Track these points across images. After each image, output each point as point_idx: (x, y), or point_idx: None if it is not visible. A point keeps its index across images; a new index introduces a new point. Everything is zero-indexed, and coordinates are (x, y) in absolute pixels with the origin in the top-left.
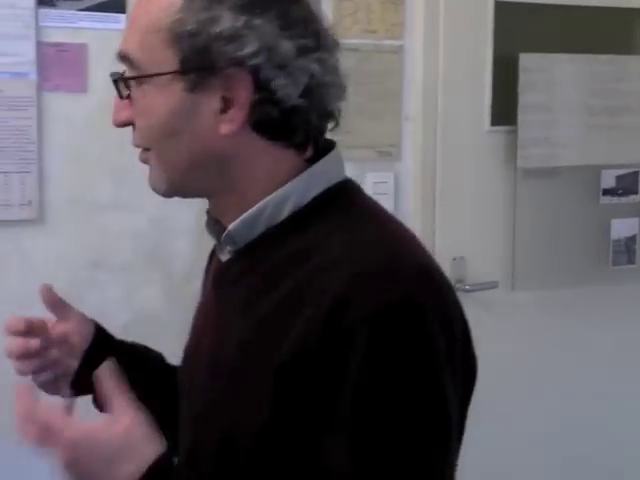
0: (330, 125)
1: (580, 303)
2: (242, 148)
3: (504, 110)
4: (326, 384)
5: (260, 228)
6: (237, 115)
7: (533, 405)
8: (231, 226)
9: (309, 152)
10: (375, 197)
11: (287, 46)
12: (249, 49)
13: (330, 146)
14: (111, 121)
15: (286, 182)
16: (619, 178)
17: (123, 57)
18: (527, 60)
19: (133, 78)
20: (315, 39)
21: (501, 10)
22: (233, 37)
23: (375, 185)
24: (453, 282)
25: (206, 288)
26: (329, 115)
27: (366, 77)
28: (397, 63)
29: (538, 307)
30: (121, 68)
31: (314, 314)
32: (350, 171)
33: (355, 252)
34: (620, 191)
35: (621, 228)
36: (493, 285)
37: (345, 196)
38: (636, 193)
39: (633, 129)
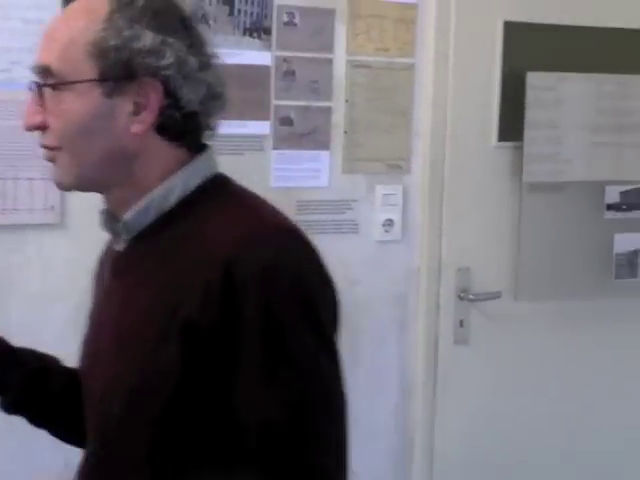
0: (209, 133)
1: (582, 315)
2: (146, 147)
3: (511, 126)
4: (228, 335)
5: (151, 216)
6: (147, 117)
7: (534, 413)
8: (127, 215)
9: (191, 150)
10: (384, 208)
11: (192, 61)
12: (165, 62)
13: (204, 147)
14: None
15: (169, 176)
16: (623, 194)
17: (42, 68)
18: (534, 78)
19: (58, 84)
20: (210, 58)
21: (510, 30)
22: (153, 51)
23: (384, 197)
24: (458, 292)
25: (101, 282)
26: (210, 125)
27: (378, 93)
28: (408, 80)
29: (541, 318)
30: None
31: (209, 276)
32: (359, 183)
33: (235, 222)
34: (624, 206)
35: (624, 242)
36: (497, 295)
37: (221, 184)
38: (639, 209)
39: (637, 146)
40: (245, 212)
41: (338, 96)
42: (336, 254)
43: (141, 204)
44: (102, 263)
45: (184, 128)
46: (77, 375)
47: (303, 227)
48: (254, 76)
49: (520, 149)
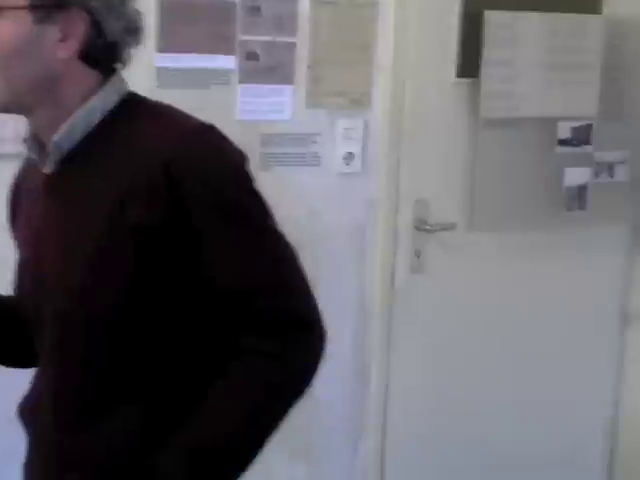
0: (120, 66)
1: (534, 245)
2: (69, 71)
3: (469, 63)
4: (180, 225)
5: (78, 134)
6: (73, 44)
7: (485, 339)
8: (56, 137)
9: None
10: (345, 142)
11: None
12: None
13: (114, 70)
14: None
15: (92, 96)
16: (574, 130)
17: None
18: (492, 16)
19: None
20: None
21: None
22: None
23: (345, 131)
24: (415, 222)
25: (28, 208)
26: (123, 56)
27: (341, 29)
28: (370, 17)
29: (494, 248)
30: None
31: (150, 177)
32: (322, 117)
33: (163, 127)
34: (574, 142)
35: (574, 176)
36: (452, 226)
37: (136, 100)
38: (589, 144)
39: (589, 84)
40: (168, 118)
41: (302, 32)
42: (298, 186)
43: (70, 122)
44: (19, 191)
45: (104, 56)
46: (10, 303)
47: (267, 159)
48: (221, 11)
49: (477, 85)
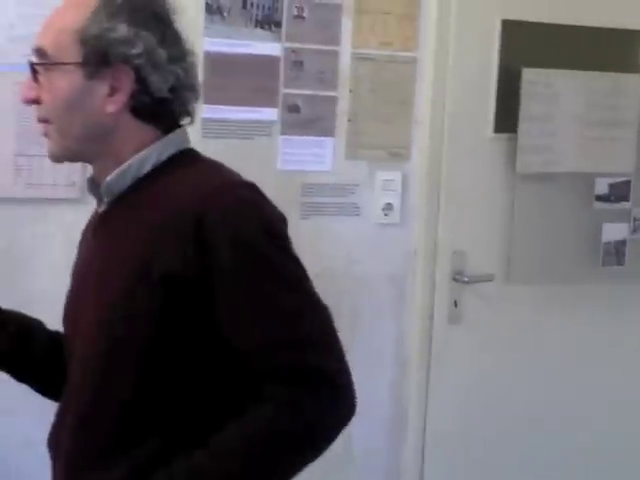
0: (187, 120)
1: (570, 300)
2: (121, 125)
3: (507, 119)
4: (208, 278)
5: (128, 180)
6: (120, 99)
7: (521, 391)
8: (108, 178)
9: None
10: (384, 193)
11: (162, 53)
12: (136, 51)
13: (179, 126)
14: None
15: (145, 148)
16: (612, 186)
17: (38, 50)
18: (529, 74)
19: (46, 64)
20: (181, 52)
21: (507, 27)
22: (125, 41)
23: (384, 182)
24: (453, 274)
25: (83, 245)
26: (187, 111)
27: (381, 84)
28: (409, 73)
29: (531, 301)
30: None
31: (182, 229)
32: (361, 169)
33: (201, 182)
34: (612, 198)
35: (612, 232)
36: (489, 278)
37: (190, 155)
38: (627, 200)
39: (626, 141)
40: (208, 173)
41: (343, 86)
42: (338, 235)
43: (119, 169)
44: (87, 228)
45: (155, 111)
46: (59, 337)
47: (307, 209)
48: (265, 66)
49: (514, 141)
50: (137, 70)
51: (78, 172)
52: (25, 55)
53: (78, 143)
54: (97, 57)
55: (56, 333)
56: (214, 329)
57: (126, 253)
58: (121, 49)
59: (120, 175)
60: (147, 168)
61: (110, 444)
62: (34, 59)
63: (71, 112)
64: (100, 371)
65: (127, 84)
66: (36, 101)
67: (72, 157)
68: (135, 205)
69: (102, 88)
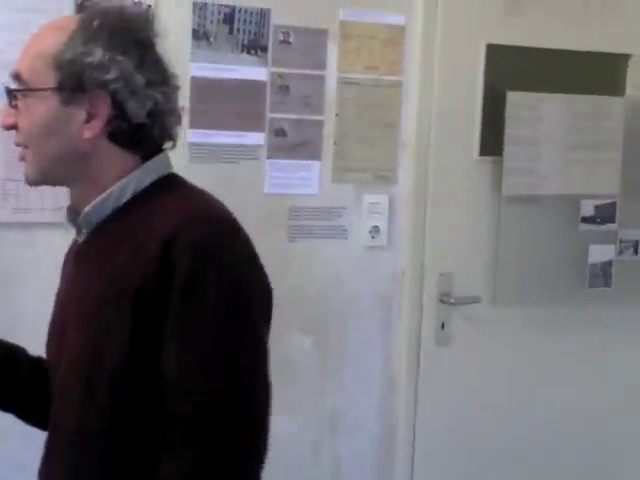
0: (169, 144)
1: (557, 321)
2: (99, 150)
3: (492, 142)
4: (161, 300)
5: (108, 209)
6: (97, 125)
7: (508, 411)
8: (86, 208)
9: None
10: (371, 216)
11: (139, 78)
12: (110, 76)
13: (160, 150)
14: None
15: (125, 176)
16: (597, 208)
17: (16, 75)
18: (514, 97)
19: (22, 90)
20: (161, 77)
21: (492, 51)
22: (100, 66)
23: (371, 205)
24: (440, 295)
25: (65, 274)
26: (169, 136)
27: (366, 108)
28: (395, 96)
29: (518, 322)
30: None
31: (153, 252)
32: (348, 192)
33: (178, 209)
34: (598, 219)
35: (598, 253)
36: (476, 300)
37: (171, 182)
38: (613, 222)
39: (611, 163)
40: (186, 203)
41: (329, 110)
42: (325, 258)
43: (99, 199)
44: (67, 256)
45: (133, 137)
46: (42, 363)
47: (295, 232)
48: (251, 90)
49: (500, 163)
50: (114, 95)
51: (66, 196)
52: (4, 82)
53: (54, 167)
54: (72, 82)
55: (39, 359)
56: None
57: (102, 284)
58: (95, 74)
59: (99, 204)
60: (127, 196)
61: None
62: (12, 84)
63: (48, 138)
64: (77, 404)
65: (104, 110)
66: (14, 127)
67: (48, 180)
68: (114, 234)
69: (79, 114)
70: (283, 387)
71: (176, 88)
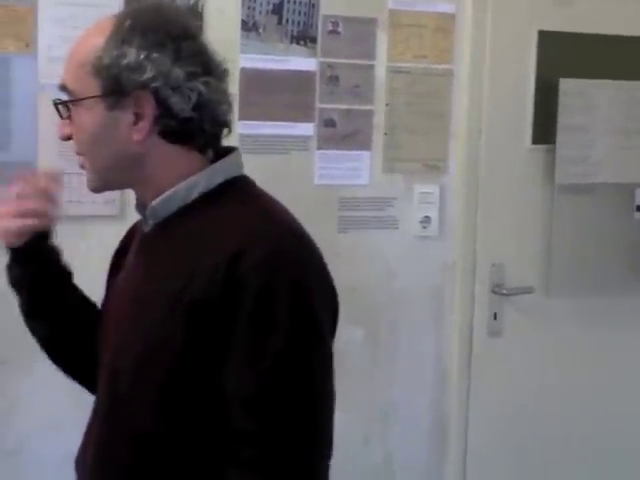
0: (225, 132)
1: (611, 311)
2: (152, 150)
3: (544, 130)
4: (227, 318)
5: (175, 206)
6: (144, 125)
7: (562, 404)
8: (153, 202)
9: (210, 154)
10: (422, 206)
11: (178, 72)
12: (147, 75)
13: (231, 150)
14: None
15: (193, 175)
16: None
17: (63, 87)
18: (567, 84)
19: (68, 102)
20: (202, 67)
21: (544, 38)
22: (136, 67)
23: (422, 195)
24: (492, 286)
25: (124, 260)
26: (221, 124)
27: (417, 98)
28: (445, 85)
29: (571, 313)
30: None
31: (217, 264)
32: (399, 182)
33: (247, 220)
34: None
35: None
36: (529, 290)
37: (240, 185)
38: None
39: None
40: (258, 211)
41: (379, 100)
42: (376, 249)
43: (166, 195)
44: (125, 242)
45: (184, 131)
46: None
47: (345, 223)
48: (300, 81)
49: (552, 152)
50: (156, 94)
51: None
52: (55, 79)
53: (112, 172)
54: (113, 87)
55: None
56: (219, 366)
57: (161, 279)
58: (133, 75)
59: (166, 200)
60: (194, 195)
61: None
62: (62, 96)
63: (99, 145)
64: (124, 389)
65: (149, 110)
66: (70, 137)
67: (109, 187)
68: (179, 233)
69: (126, 117)
70: (333, 380)
71: (224, 76)
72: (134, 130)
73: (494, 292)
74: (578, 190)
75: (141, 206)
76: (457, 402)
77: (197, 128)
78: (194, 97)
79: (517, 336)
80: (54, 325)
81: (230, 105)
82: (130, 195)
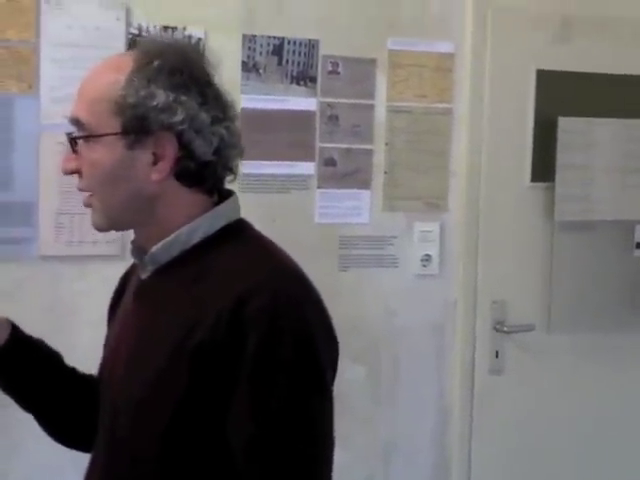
0: (229, 177)
1: (612, 348)
2: (166, 192)
3: (544, 168)
4: (231, 363)
5: (176, 251)
6: (164, 167)
7: (565, 441)
8: (154, 248)
9: (215, 196)
10: (422, 244)
11: (204, 117)
12: (177, 118)
13: (230, 193)
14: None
15: (196, 217)
16: None
17: (74, 120)
18: (566, 123)
19: (85, 137)
20: (223, 112)
21: (542, 77)
22: (165, 109)
23: (422, 234)
24: (493, 324)
25: (120, 304)
26: (230, 169)
27: (416, 136)
28: (445, 124)
29: (573, 350)
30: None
31: (222, 309)
32: (399, 220)
33: (250, 264)
34: None
35: None
36: (530, 328)
37: (241, 229)
38: None
39: None
40: (260, 255)
41: (379, 139)
42: (377, 287)
43: (167, 240)
44: (121, 287)
45: (201, 176)
46: (90, 381)
47: (346, 261)
48: (301, 120)
49: (552, 189)
50: (180, 136)
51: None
52: (66, 116)
53: (122, 212)
54: (137, 126)
55: (90, 376)
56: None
57: (163, 326)
58: (161, 117)
59: (167, 246)
60: (196, 240)
61: None
62: (72, 129)
63: (114, 184)
64: (124, 436)
65: (171, 151)
66: (76, 172)
67: (116, 227)
68: (180, 278)
69: (145, 157)
70: (335, 418)
71: (237, 120)
72: (152, 170)
73: (495, 330)
74: (578, 227)
75: (138, 250)
76: (459, 440)
77: (212, 172)
78: (216, 141)
79: (518, 373)
80: (49, 412)
81: (242, 151)
82: (131, 236)
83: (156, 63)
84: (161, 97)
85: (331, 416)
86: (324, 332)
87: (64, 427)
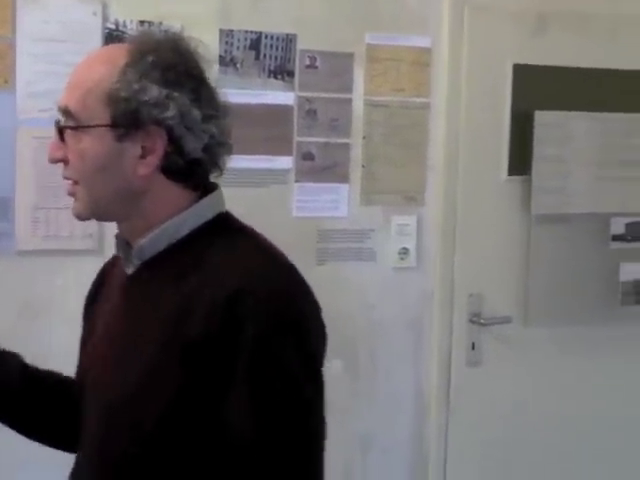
0: (216, 173)
1: (589, 340)
2: (153, 186)
3: (520, 161)
4: (226, 356)
5: (163, 245)
6: (152, 161)
7: (540, 432)
8: (141, 242)
9: (199, 190)
10: (399, 237)
11: (196, 114)
12: (169, 113)
13: (215, 187)
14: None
15: (182, 211)
16: (628, 225)
17: (63, 109)
18: (542, 117)
19: (74, 127)
20: (215, 109)
21: (519, 71)
22: (158, 104)
23: (400, 227)
24: (470, 316)
25: (109, 302)
26: (218, 167)
27: (394, 130)
28: (422, 118)
29: (549, 342)
30: None
31: (214, 302)
32: (376, 214)
33: (242, 257)
34: (629, 237)
35: (630, 271)
36: (507, 320)
37: (226, 221)
38: None
39: None
40: (253, 248)
41: (356, 133)
42: (354, 280)
43: (154, 233)
44: (99, 282)
45: (188, 172)
46: (71, 383)
47: (323, 255)
48: (278, 115)
49: (529, 182)
50: (170, 131)
51: (94, 224)
52: (43, 110)
53: (107, 204)
54: (127, 119)
55: (66, 378)
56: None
57: (152, 320)
58: (153, 112)
59: (154, 239)
60: (183, 233)
61: None
62: (60, 118)
63: (101, 174)
64: (113, 434)
65: (160, 146)
66: (63, 161)
67: (99, 217)
68: (169, 272)
69: (133, 150)
70: None
71: (227, 116)
72: (140, 164)
73: (472, 322)
74: (554, 220)
75: (123, 244)
76: (436, 432)
77: (201, 168)
78: (206, 139)
79: (495, 365)
80: (50, 433)
81: (230, 149)
82: (108, 230)
83: (150, 58)
84: (154, 92)
85: (323, 404)
86: (317, 323)
87: (61, 436)
